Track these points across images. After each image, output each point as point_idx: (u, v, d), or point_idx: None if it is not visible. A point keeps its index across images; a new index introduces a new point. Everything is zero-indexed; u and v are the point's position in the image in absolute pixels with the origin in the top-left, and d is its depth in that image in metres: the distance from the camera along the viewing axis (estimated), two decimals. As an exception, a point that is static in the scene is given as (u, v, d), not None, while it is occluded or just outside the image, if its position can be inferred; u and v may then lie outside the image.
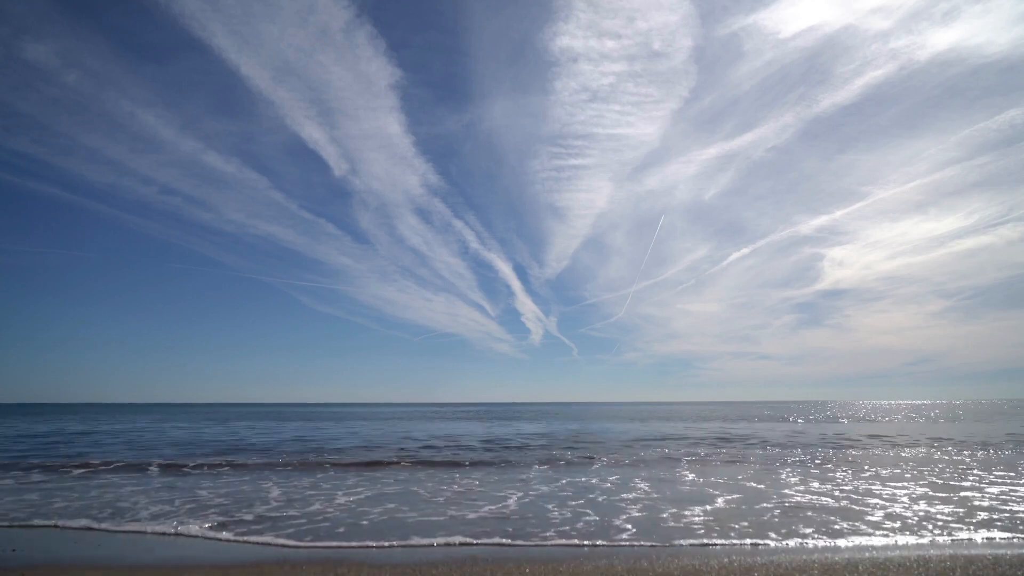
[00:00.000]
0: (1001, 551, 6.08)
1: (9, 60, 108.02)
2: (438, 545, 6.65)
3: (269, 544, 6.79)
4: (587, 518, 8.07)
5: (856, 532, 7.06)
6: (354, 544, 6.71)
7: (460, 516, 8.27)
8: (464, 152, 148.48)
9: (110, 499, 9.82)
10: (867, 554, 6.01)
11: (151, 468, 14.22)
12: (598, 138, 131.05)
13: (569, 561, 5.85)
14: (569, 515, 8.26)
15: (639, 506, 8.96)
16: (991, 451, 17.35)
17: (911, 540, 6.67)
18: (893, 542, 6.60)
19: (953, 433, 25.69)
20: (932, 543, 6.51)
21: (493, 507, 8.93)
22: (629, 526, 7.53)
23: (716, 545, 6.49)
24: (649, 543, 6.61)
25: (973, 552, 6.04)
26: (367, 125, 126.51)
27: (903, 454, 16.73)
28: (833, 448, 18.74)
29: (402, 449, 18.91)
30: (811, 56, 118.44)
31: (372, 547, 6.57)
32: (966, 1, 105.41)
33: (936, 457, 15.81)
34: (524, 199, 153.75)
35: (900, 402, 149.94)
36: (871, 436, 24.07)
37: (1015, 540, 6.67)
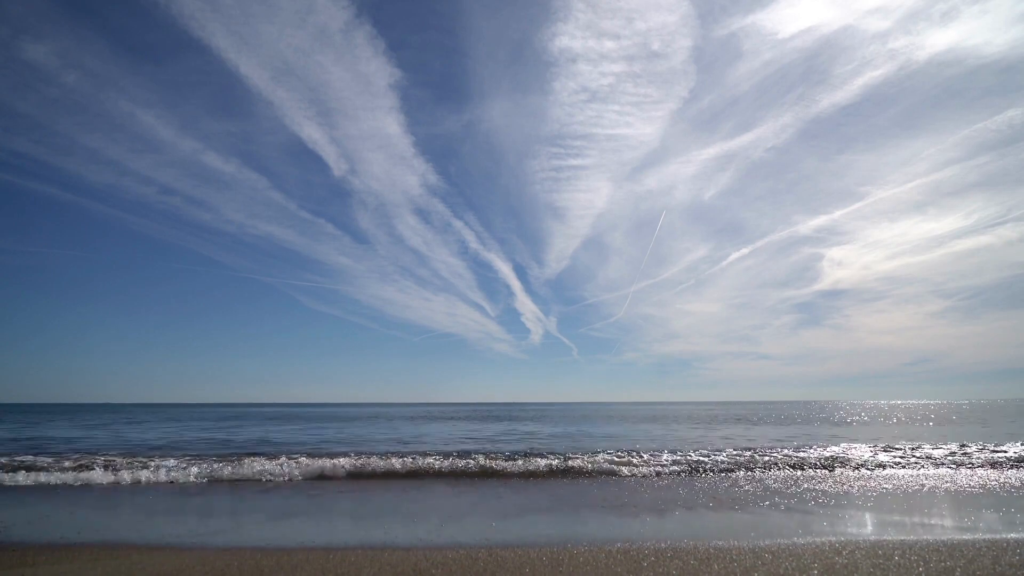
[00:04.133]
0: (1001, 551, 6.08)
1: (9, 60, 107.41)
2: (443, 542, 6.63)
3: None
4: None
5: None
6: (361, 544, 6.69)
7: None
8: (463, 152, 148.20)
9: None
10: (867, 554, 6.00)
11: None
12: (597, 138, 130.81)
13: (569, 561, 5.84)
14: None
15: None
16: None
17: (912, 538, 6.66)
18: (895, 542, 6.58)
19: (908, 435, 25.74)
20: (933, 542, 6.49)
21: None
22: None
23: (717, 545, 6.47)
24: (650, 543, 6.60)
25: (973, 552, 6.04)
26: (366, 125, 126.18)
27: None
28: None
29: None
30: (810, 56, 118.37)
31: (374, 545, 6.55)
32: (964, 2, 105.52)
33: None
34: (523, 199, 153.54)
35: (897, 402, 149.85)
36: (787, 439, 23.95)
37: (1016, 540, 6.65)
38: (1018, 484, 11.33)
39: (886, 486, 11.08)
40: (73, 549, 6.62)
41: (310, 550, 6.45)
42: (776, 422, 39.26)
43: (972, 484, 11.32)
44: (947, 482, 11.63)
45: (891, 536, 6.93)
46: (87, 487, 11.66)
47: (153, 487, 11.72)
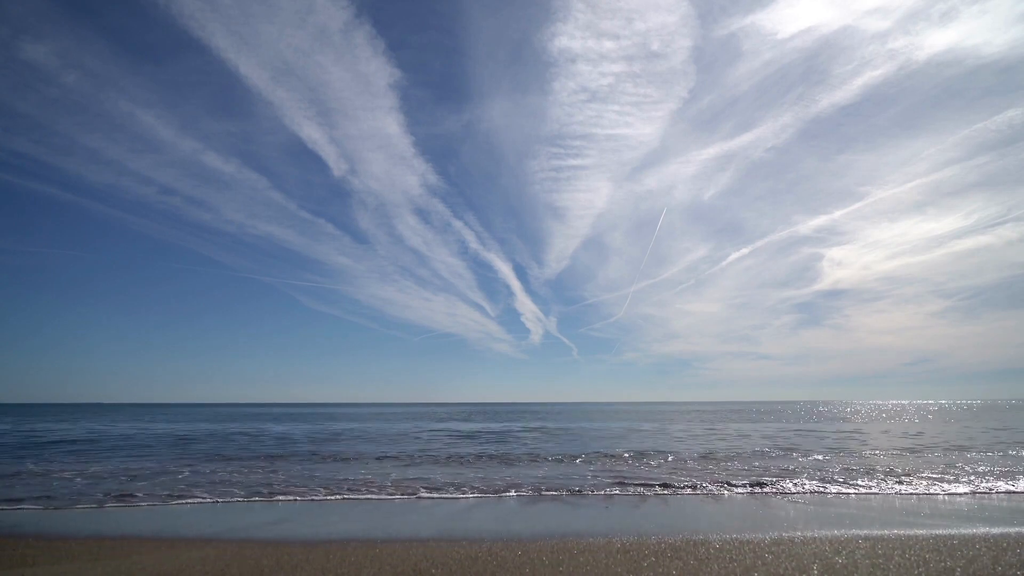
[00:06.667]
0: (1001, 551, 6.08)
1: (9, 60, 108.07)
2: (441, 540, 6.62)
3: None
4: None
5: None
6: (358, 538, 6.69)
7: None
8: (463, 152, 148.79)
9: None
10: (867, 554, 6.00)
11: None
12: (597, 138, 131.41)
13: (569, 561, 5.83)
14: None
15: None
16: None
17: (912, 533, 6.66)
18: (895, 542, 6.58)
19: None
20: (933, 542, 6.49)
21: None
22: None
23: (717, 545, 6.46)
24: (650, 541, 6.59)
25: (973, 552, 6.03)
26: (366, 125, 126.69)
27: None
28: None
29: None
30: (809, 56, 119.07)
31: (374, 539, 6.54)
32: (963, 2, 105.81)
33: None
34: (523, 199, 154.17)
35: (895, 402, 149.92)
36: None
37: (1016, 539, 6.65)
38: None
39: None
40: (73, 548, 6.63)
41: (311, 548, 6.46)
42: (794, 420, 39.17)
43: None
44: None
45: (891, 535, 6.92)
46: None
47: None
